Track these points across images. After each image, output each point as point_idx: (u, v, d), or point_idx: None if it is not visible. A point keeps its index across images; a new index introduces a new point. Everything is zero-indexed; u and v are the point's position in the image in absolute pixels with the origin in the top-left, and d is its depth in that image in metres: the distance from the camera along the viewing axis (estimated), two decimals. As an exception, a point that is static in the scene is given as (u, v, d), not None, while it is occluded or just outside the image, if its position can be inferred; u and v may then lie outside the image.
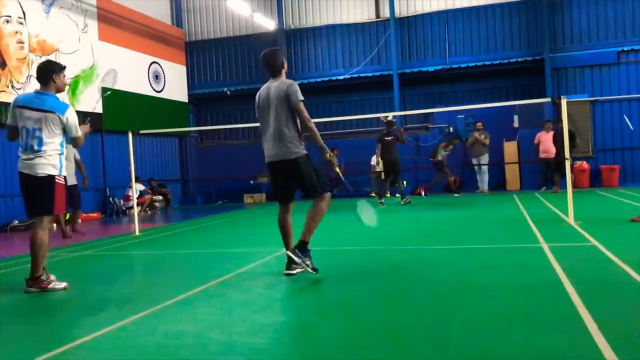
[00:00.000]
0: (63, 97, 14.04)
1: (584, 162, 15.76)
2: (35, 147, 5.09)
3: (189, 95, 19.74)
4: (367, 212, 5.72)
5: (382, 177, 13.79)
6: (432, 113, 17.54)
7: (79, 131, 5.36)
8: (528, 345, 3.06)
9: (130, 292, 5.15)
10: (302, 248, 5.12)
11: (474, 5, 17.66)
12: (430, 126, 17.88)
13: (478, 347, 3.07)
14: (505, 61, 17.26)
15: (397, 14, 18.11)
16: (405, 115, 18.29)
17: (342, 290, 4.68)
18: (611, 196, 12.52)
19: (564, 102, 8.40)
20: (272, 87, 5.21)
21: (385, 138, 13.20)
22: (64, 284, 5.17)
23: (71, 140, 5.48)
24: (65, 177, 5.31)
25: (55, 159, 5.15)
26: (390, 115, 13.25)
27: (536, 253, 5.82)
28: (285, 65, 5.36)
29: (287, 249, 5.27)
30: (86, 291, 5.16)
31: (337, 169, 5.39)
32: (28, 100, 5.28)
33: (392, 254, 6.53)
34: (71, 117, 5.26)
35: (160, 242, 8.71)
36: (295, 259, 5.04)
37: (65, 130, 5.28)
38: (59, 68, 5.45)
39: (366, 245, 7.31)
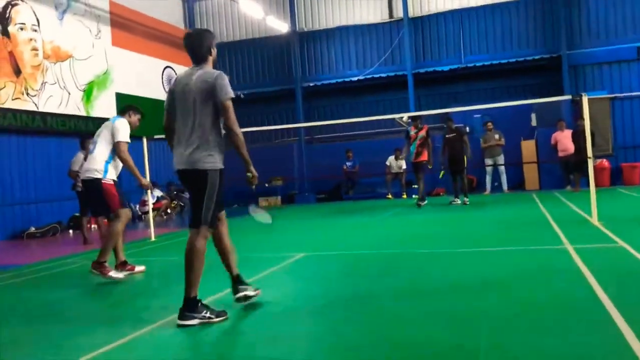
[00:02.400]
0: (78, 103, 14.10)
1: (604, 160, 15.46)
2: None
3: (203, 99, 19.71)
4: (261, 216, 4.93)
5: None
6: (447, 113, 17.30)
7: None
8: (563, 356, 2.91)
9: (145, 303, 5.06)
10: (192, 306, 3.91)
11: (489, 3, 17.45)
12: (445, 126, 17.62)
13: (510, 357, 2.93)
14: (522, 59, 17.02)
15: (410, 13, 17.94)
16: (420, 116, 18.06)
17: (363, 297, 4.55)
18: (634, 194, 12.26)
19: (585, 99, 8.19)
20: (193, 77, 4.11)
21: (447, 136, 13.14)
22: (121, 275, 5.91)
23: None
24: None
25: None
26: (405, 116, 13.09)
27: (562, 255, 5.65)
28: (214, 52, 4.28)
29: (232, 274, 4.36)
30: (104, 300, 5.09)
31: (253, 187, 4.33)
32: None
33: (414, 257, 6.39)
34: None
35: (176, 247, 8.62)
36: (191, 322, 3.86)
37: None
38: (133, 111, 6.26)
39: (387, 248, 7.18)
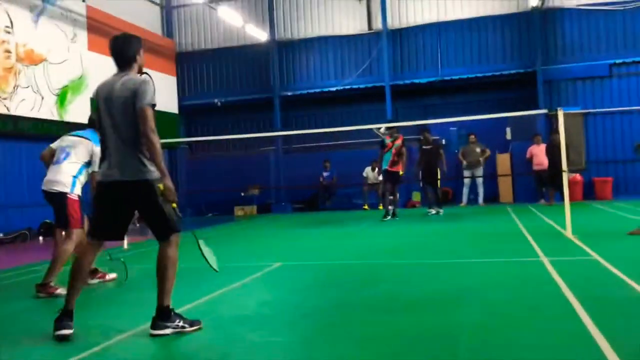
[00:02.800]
0: (51, 107, 13.85)
1: (577, 174, 15.71)
2: None
3: (179, 106, 19.55)
4: (208, 256, 4.38)
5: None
6: (425, 125, 17.44)
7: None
8: (541, 367, 2.91)
9: (116, 311, 4.94)
10: (165, 315, 3.81)
11: (466, 17, 17.66)
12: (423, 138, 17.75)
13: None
14: (498, 73, 17.24)
15: (389, 25, 18.06)
16: (397, 127, 18.16)
17: (339, 307, 4.50)
18: (605, 208, 12.46)
19: (560, 114, 8.32)
20: (118, 83, 3.92)
21: (423, 147, 13.24)
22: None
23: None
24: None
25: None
26: (383, 127, 13.12)
27: (538, 267, 5.68)
28: (140, 59, 4.11)
29: (68, 305, 3.84)
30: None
31: (175, 205, 3.93)
32: None
33: (392, 268, 6.37)
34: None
35: (149, 256, 8.45)
36: (165, 332, 3.76)
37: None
38: None
39: (364, 259, 7.15)
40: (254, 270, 6.33)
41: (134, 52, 4.04)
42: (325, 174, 17.55)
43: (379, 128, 14.30)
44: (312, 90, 18.77)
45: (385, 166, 12.28)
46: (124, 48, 4.01)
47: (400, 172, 12.38)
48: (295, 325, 4.03)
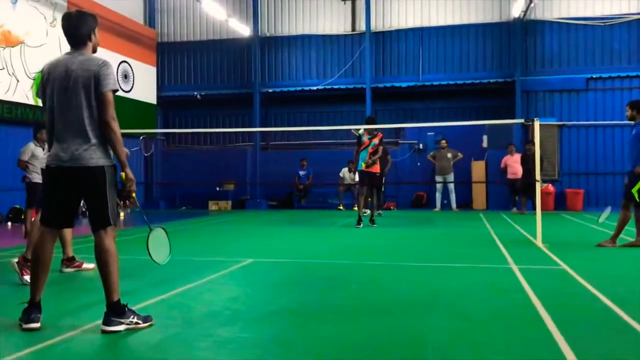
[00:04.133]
0: (27, 91, 13.58)
1: (550, 184, 15.96)
2: None
3: (158, 97, 19.34)
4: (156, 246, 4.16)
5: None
6: (403, 128, 17.59)
7: None
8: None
9: (83, 302, 4.86)
10: (119, 310, 3.68)
11: (449, 24, 17.81)
12: (400, 142, 17.90)
13: (454, 374, 2.94)
14: (477, 81, 17.43)
15: (373, 28, 18.12)
16: (376, 129, 18.24)
17: (310, 305, 4.50)
18: (576, 220, 12.67)
19: (536, 124, 8.43)
20: (74, 63, 3.72)
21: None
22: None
23: None
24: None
25: None
26: (362, 129, 13.11)
27: (507, 275, 5.75)
28: (95, 39, 3.90)
29: (34, 297, 3.72)
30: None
31: (134, 195, 3.88)
32: None
33: (363, 268, 6.38)
34: None
35: (118, 247, 8.37)
36: (118, 328, 3.63)
37: None
38: None
39: (336, 259, 7.15)
40: (225, 266, 6.28)
41: (88, 30, 3.84)
42: (301, 172, 17.53)
43: (358, 130, 14.30)
44: (292, 88, 18.74)
45: (360, 166, 11.18)
46: (78, 25, 3.81)
47: (379, 174, 11.50)
48: (264, 322, 4.01)
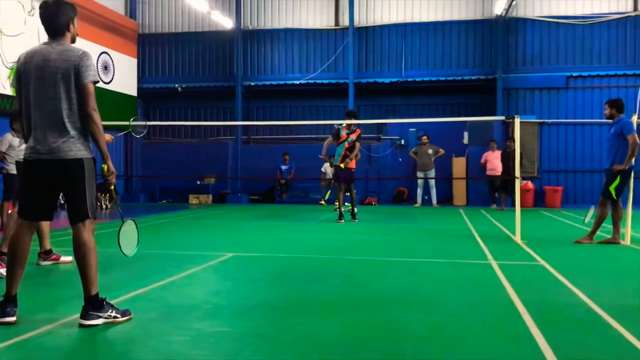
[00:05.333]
0: (4, 81, 13.33)
1: (529, 181, 16.13)
2: None
3: (139, 88, 19.14)
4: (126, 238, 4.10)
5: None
6: (385, 124, 17.63)
7: None
8: (484, 367, 2.97)
9: (60, 295, 4.80)
10: (97, 304, 3.64)
11: (432, 20, 17.86)
12: (382, 137, 17.94)
13: (433, 368, 2.97)
14: (459, 78, 17.52)
15: (356, 23, 18.11)
16: (358, 125, 18.26)
17: (290, 300, 4.49)
18: (554, 217, 12.82)
19: (517, 121, 8.48)
20: (52, 53, 3.65)
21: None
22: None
23: None
24: None
25: None
26: (344, 124, 13.09)
27: (486, 270, 5.80)
28: (74, 29, 3.82)
29: (10, 291, 3.67)
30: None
31: (113, 187, 3.91)
32: None
33: (343, 263, 6.39)
34: None
35: (97, 240, 8.28)
36: (96, 322, 3.60)
37: None
38: None
39: (317, 253, 7.15)
40: (205, 260, 6.25)
41: (67, 19, 3.75)
42: (283, 167, 17.50)
43: (341, 124, 14.26)
44: (275, 82, 18.66)
45: (336, 162, 11.21)
46: (57, 14, 3.71)
47: (353, 170, 11.36)
48: (244, 316, 4.00)
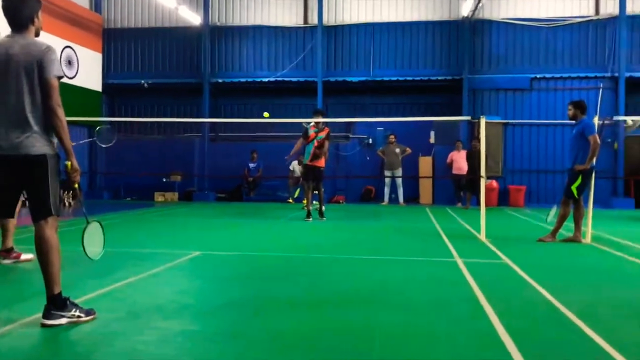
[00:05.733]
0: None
1: (494, 181, 16.40)
2: None
3: (104, 84, 18.78)
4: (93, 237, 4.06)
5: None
6: (353, 123, 17.69)
7: None
8: (450, 364, 3.01)
9: (21, 294, 4.68)
10: (60, 303, 3.57)
11: (400, 20, 18.00)
12: (351, 136, 18.01)
13: (400, 365, 2.99)
14: (426, 78, 17.69)
15: (325, 21, 18.12)
16: (327, 123, 18.29)
17: (259, 298, 4.47)
18: (518, 215, 13.08)
19: (483, 121, 8.63)
20: (14, 47, 3.56)
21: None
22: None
23: None
24: None
25: None
26: (313, 122, 13.09)
27: (452, 268, 5.88)
28: (38, 22, 3.74)
29: None
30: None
31: (77, 185, 3.86)
32: None
33: (311, 261, 6.40)
34: None
35: (60, 237, 8.10)
36: (60, 322, 3.52)
37: None
38: None
39: (285, 252, 7.14)
40: (171, 258, 6.17)
41: (31, 12, 3.66)
42: (251, 165, 17.41)
43: (310, 122, 14.22)
44: (243, 79, 18.55)
45: (305, 160, 11.22)
46: (21, 7, 3.63)
47: (323, 169, 11.36)
48: (212, 315, 3.96)
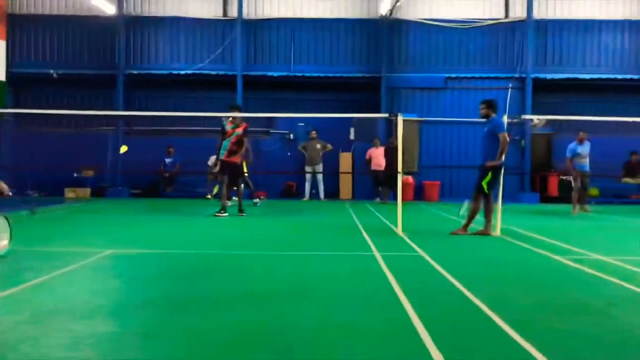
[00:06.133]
0: None
1: (410, 176, 16.88)
2: None
3: (8, 73, 17.63)
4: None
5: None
6: (274, 118, 17.65)
7: None
8: (370, 356, 3.06)
9: None
10: None
11: (320, 17, 18.12)
12: (271, 131, 17.95)
13: (321, 359, 3.01)
14: (346, 75, 17.93)
15: (245, 15, 17.93)
16: (247, 118, 18.13)
17: (176, 297, 4.36)
18: (432, 210, 13.54)
19: (400, 119, 8.86)
20: None
21: None
22: None
23: None
24: None
25: None
26: (231, 117, 12.90)
27: (370, 261, 5.99)
28: None
29: None
30: None
31: None
32: None
33: (231, 258, 6.32)
34: None
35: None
36: None
37: None
38: None
39: (203, 249, 7.02)
40: (83, 257, 5.90)
41: None
42: (168, 160, 16.98)
43: (228, 117, 14.03)
44: (160, 72, 18.03)
45: (221, 155, 11.04)
46: None
47: (239, 164, 11.34)
48: (126, 315, 3.82)
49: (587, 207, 13.06)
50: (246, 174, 13.05)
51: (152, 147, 17.28)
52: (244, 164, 12.16)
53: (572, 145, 12.87)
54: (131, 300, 4.26)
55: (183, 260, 6.14)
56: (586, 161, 12.77)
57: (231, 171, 11.09)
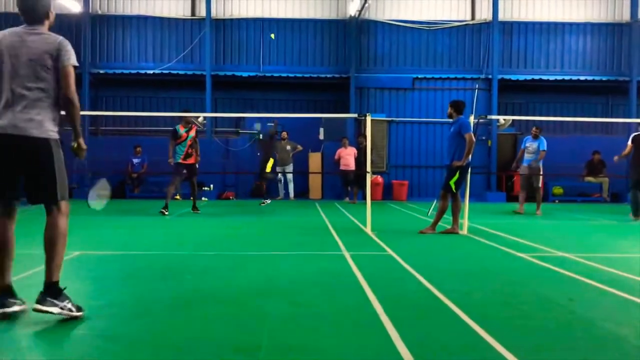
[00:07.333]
0: None
1: (379, 176, 16.99)
2: None
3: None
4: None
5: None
6: (243, 118, 17.59)
7: None
8: (337, 353, 3.07)
9: None
10: (56, 291, 3.63)
11: (289, 17, 18.11)
12: (240, 131, 17.86)
13: (288, 357, 3.01)
14: (316, 75, 17.96)
15: (213, 14, 17.81)
16: (216, 118, 18.05)
17: (142, 298, 4.31)
18: (401, 209, 13.64)
19: (369, 119, 8.91)
20: (31, 36, 3.71)
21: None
22: None
23: None
24: None
25: None
26: (201, 117, 12.86)
27: (339, 261, 6.01)
28: (52, 16, 3.91)
29: (3, 281, 3.73)
30: None
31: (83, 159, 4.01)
32: None
33: (198, 259, 6.27)
34: None
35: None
36: (52, 310, 3.54)
37: None
38: None
39: (170, 250, 6.94)
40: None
41: (47, 7, 3.82)
42: (135, 160, 16.75)
43: (197, 118, 13.96)
44: (127, 71, 17.79)
45: (178, 159, 11.41)
46: (38, 2, 3.77)
47: (196, 165, 11.77)
48: (91, 318, 3.75)
49: (522, 209, 12.41)
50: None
51: (119, 146, 17.03)
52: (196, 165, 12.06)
53: (525, 138, 13.00)
54: (96, 301, 4.18)
55: (148, 261, 6.06)
56: (532, 156, 12.38)
57: (189, 171, 11.66)
